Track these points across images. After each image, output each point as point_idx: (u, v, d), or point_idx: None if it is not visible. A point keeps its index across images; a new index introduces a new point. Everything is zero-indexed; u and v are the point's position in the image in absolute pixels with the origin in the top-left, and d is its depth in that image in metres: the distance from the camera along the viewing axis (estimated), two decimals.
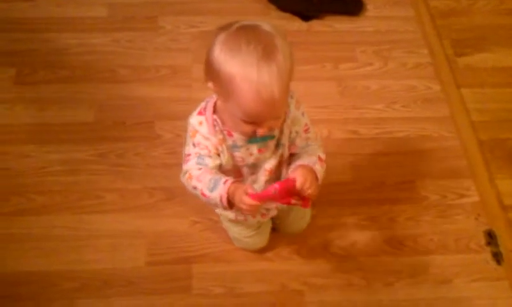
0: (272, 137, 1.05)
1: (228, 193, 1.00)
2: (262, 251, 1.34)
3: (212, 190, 1.02)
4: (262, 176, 1.10)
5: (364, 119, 1.62)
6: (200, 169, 1.04)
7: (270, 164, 1.09)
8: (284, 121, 1.05)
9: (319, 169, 1.06)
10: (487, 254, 1.37)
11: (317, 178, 1.04)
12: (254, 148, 1.06)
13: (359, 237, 1.39)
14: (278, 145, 1.08)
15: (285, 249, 1.36)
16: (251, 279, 1.31)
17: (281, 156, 1.10)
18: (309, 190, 1.00)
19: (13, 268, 1.30)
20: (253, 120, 0.95)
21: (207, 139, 1.04)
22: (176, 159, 1.50)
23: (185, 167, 1.07)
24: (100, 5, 1.89)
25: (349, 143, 1.56)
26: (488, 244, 1.39)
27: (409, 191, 1.48)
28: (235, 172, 1.09)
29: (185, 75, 1.70)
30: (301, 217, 1.35)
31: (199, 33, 1.83)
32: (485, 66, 1.78)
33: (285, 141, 1.08)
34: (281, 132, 1.07)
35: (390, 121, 1.62)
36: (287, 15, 1.88)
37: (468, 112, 1.65)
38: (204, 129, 1.04)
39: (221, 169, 1.07)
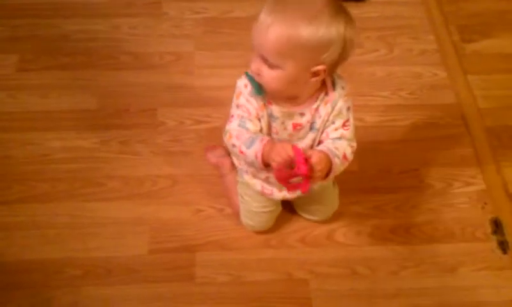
0: (260, 92, 1.05)
1: (263, 150, 1.03)
2: (267, 239, 1.34)
3: (249, 147, 1.05)
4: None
5: (370, 107, 1.60)
6: (239, 126, 1.08)
7: (303, 144, 1.11)
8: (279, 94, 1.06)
9: (338, 163, 1.07)
10: (493, 243, 1.36)
11: (330, 168, 1.05)
12: (289, 124, 1.09)
13: (364, 226, 1.38)
14: (312, 128, 1.10)
15: (290, 237, 1.35)
16: (256, 267, 1.30)
17: (314, 140, 1.12)
18: (318, 173, 1.01)
19: (16, 256, 1.29)
20: (252, 44, 1.00)
21: (248, 101, 1.07)
22: (180, 147, 1.49)
23: (227, 127, 1.10)
24: None
25: (354, 130, 1.54)
26: (494, 232, 1.38)
27: (415, 179, 1.47)
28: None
29: (189, 61, 1.69)
30: (330, 203, 1.33)
31: (203, 19, 1.81)
32: (492, 53, 1.76)
33: (320, 125, 1.10)
34: (319, 114, 1.08)
35: (395, 109, 1.61)
36: None
37: (474, 99, 1.64)
38: (247, 92, 1.08)
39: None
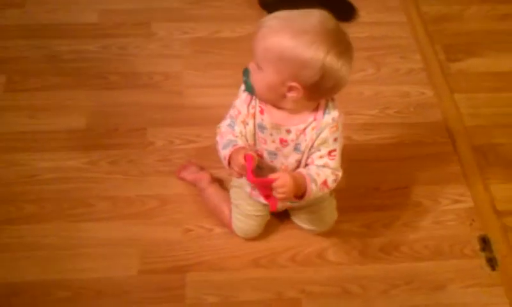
0: (250, 90, 1.11)
1: (230, 156, 1.10)
2: (257, 258, 1.33)
3: (223, 148, 1.13)
4: (279, 169, 1.17)
5: (357, 125, 1.61)
6: (228, 126, 1.16)
7: (287, 161, 1.16)
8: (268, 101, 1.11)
9: (314, 189, 1.10)
10: (481, 260, 1.37)
11: (300, 193, 1.09)
12: (277, 137, 1.13)
13: (354, 244, 1.38)
14: (296, 148, 1.14)
15: (281, 257, 1.34)
16: (246, 287, 1.29)
17: (299, 162, 1.15)
18: (280, 195, 1.05)
19: (4, 278, 1.28)
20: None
21: (241, 106, 1.15)
22: (169, 166, 1.49)
23: (221, 123, 1.19)
24: (91, 11, 1.88)
25: (342, 149, 1.55)
26: (483, 249, 1.39)
27: (404, 197, 1.48)
28: (258, 151, 1.17)
29: (178, 81, 1.69)
30: (328, 214, 1.34)
31: (191, 39, 1.82)
32: (478, 71, 1.79)
33: (304, 148, 1.13)
34: (304, 137, 1.12)
35: (383, 127, 1.62)
36: None
37: (461, 117, 1.66)
38: (244, 96, 1.15)
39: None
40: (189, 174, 1.45)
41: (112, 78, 1.69)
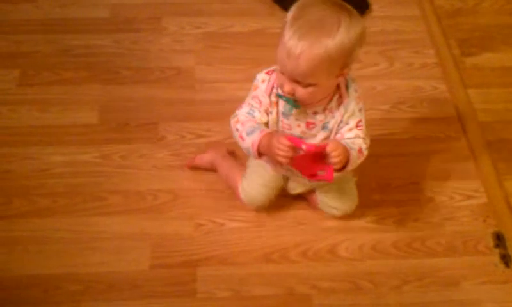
0: (296, 106, 1.11)
1: (260, 142, 1.12)
2: (268, 253, 1.33)
3: (248, 134, 1.14)
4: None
5: (370, 120, 1.57)
6: (247, 114, 1.17)
7: (315, 142, 1.17)
8: (324, 101, 1.14)
9: (354, 155, 1.13)
10: (495, 257, 1.36)
11: (348, 157, 1.10)
12: (303, 122, 1.15)
13: (366, 240, 1.37)
14: (324, 127, 1.17)
15: (292, 252, 1.34)
16: (257, 282, 1.29)
17: (326, 139, 1.17)
18: (336, 159, 1.07)
19: (16, 271, 1.29)
20: (281, 70, 1.07)
21: (263, 96, 1.16)
22: (180, 161, 1.49)
23: (237, 111, 1.20)
24: (103, 6, 1.88)
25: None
26: (497, 246, 1.38)
27: (416, 193, 1.46)
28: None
29: (189, 76, 1.69)
30: (350, 195, 1.35)
31: (203, 34, 1.82)
32: (492, 66, 1.77)
33: (332, 125, 1.16)
34: (332, 115, 1.15)
35: (396, 122, 1.61)
36: None
37: (475, 113, 1.64)
38: (263, 87, 1.16)
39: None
40: (201, 159, 1.46)
41: (124, 72, 1.70)
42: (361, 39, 1.06)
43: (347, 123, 1.16)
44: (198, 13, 1.88)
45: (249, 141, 1.14)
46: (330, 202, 1.35)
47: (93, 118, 1.58)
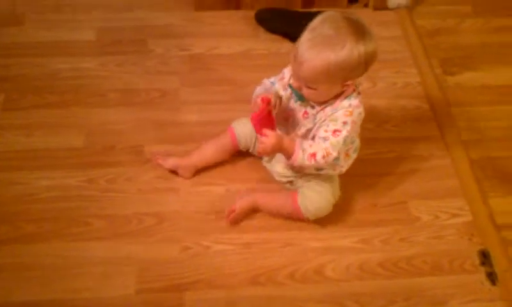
0: (302, 99, 1.28)
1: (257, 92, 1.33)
2: (255, 276, 1.33)
3: (259, 90, 1.33)
4: (297, 136, 1.33)
5: None
6: (269, 87, 1.34)
7: (301, 131, 1.32)
8: (317, 102, 1.28)
9: (300, 156, 1.26)
10: (481, 275, 1.37)
11: (280, 149, 1.26)
12: (302, 109, 1.31)
13: (352, 260, 1.37)
14: (314, 119, 1.29)
15: (279, 274, 1.34)
16: (245, 305, 1.28)
17: (309, 130, 1.31)
18: (259, 143, 1.26)
19: (1, 298, 1.27)
20: (292, 65, 1.24)
21: (288, 72, 1.33)
22: (167, 183, 1.49)
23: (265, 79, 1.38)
24: (89, 29, 1.89)
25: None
26: (482, 264, 1.38)
27: (402, 212, 1.47)
28: (285, 119, 1.35)
29: (175, 98, 1.70)
30: (305, 192, 1.37)
31: (189, 56, 1.83)
32: (474, 85, 1.79)
33: (317, 119, 1.29)
34: (323, 112, 1.27)
35: (380, 141, 1.62)
36: (276, 36, 1.89)
37: (458, 131, 1.66)
38: (288, 73, 1.34)
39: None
40: (165, 161, 1.49)
41: (110, 95, 1.70)
42: (367, 59, 1.20)
43: (327, 125, 1.26)
44: (183, 35, 1.89)
45: (256, 92, 1.32)
46: (304, 199, 1.37)
47: (79, 141, 1.57)
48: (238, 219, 1.41)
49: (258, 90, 1.34)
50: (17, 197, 1.45)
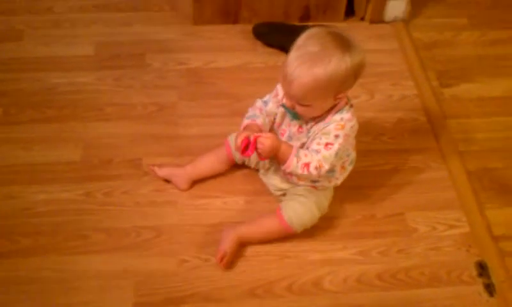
0: (297, 117, 1.29)
1: (244, 126, 1.34)
2: (252, 288, 1.33)
3: (247, 118, 1.36)
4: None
5: None
6: (261, 106, 1.37)
7: (296, 145, 1.31)
8: (312, 117, 1.29)
9: (294, 163, 1.27)
10: (479, 286, 1.36)
11: (283, 160, 1.27)
12: (297, 124, 1.31)
13: (351, 272, 1.37)
14: (308, 132, 1.30)
15: (277, 286, 1.34)
16: None
17: (303, 144, 1.32)
18: (258, 145, 1.23)
19: None
20: (282, 85, 1.26)
21: (280, 90, 1.33)
22: (164, 196, 1.49)
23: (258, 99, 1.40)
24: (87, 44, 1.90)
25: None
26: (480, 275, 1.38)
27: (399, 223, 1.47)
28: (281, 135, 1.36)
29: (172, 111, 1.70)
30: (289, 203, 1.37)
31: (186, 70, 1.83)
32: (470, 97, 1.80)
33: (311, 133, 1.30)
34: (317, 125, 1.28)
35: (378, 154, 1.63)
36: (273, 50, 1.90)
37: (455, 143, 1.66)
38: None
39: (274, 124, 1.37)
40: (161, 169, 1.50)
41: (107, 109, 1.70)
42: (355, 70, 1.20)
43: (319, 138, 1.27)
44: (181, 49, 1.90)
45: (243, 122, 1.35)
46: (288, 209, 1.36)
47: (76, 155, 1.58)
48: (231, 262, 1.36)
49: (248, 114, 1.36)
50: (14, 211, 1.45)
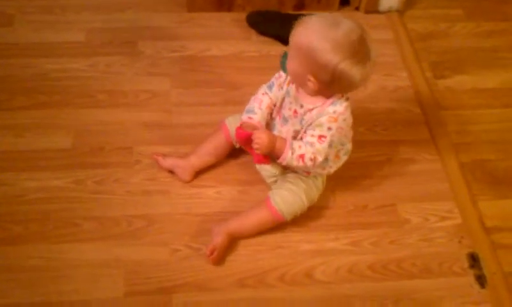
0: (285, 71, 1.31)
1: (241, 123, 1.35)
2: (244, 278, 1.32)
3: (246, 112, 1.37)
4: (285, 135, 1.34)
5: None
6: (263, 94, 1.38)
7: (289, 131, 1.33)
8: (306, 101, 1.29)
9: (289, 155, 1.27)
10: (471, 278, 1.37)
11: (278, 153, 1.28)
12: (293, 107, 1.32)
13: (342, 263, 1.37)
14: (301, 121, 1.30)
15: (269, 276, 1.33)
16: None
17: (297, 132, 1.32)
18: (255, 145, 1.26)
19: None
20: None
21: (283, 74, 1.35)
22: (156, 185, 1.48)
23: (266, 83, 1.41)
24: (78, 30, 1.87)
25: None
26: (472, 266, 1.39)
27: (391, 214, 1.47)
28: (278, 115, 1.37)
29: (165, 99, 1.69)
30: (279, 189, 1.37)
31: (179, 58, 1.82)
32: (464, 88, 1.80)
33: (304, 123, 1.29)
34: (310, 114, 1.28)
35: (371, 145, 1.62)
36: (268, 39, 1.89)
37: (448, 135, 1.66)
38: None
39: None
40: (165, 160, 1.49)
41: (99, 96, 1.69)
42: (337, 76, 1.18)
43: (313, 129, 1.27)
44: (174, 37, 1.88)
45: (242, 116, 1.36)
46: (276, 196, 1.36)
47: (67, 143, 1.56)
48: (221, 257, 1.34)
49: (248, 106, 1.37)
50: (4, 198, 1.43)
